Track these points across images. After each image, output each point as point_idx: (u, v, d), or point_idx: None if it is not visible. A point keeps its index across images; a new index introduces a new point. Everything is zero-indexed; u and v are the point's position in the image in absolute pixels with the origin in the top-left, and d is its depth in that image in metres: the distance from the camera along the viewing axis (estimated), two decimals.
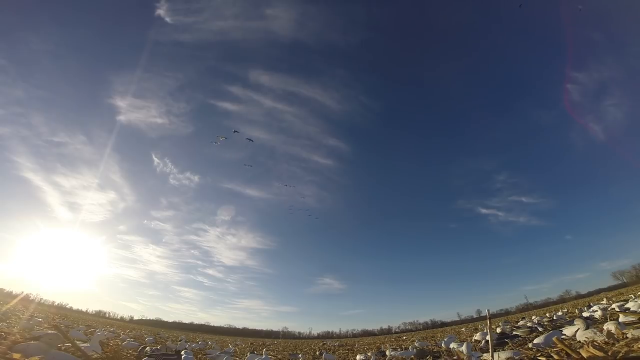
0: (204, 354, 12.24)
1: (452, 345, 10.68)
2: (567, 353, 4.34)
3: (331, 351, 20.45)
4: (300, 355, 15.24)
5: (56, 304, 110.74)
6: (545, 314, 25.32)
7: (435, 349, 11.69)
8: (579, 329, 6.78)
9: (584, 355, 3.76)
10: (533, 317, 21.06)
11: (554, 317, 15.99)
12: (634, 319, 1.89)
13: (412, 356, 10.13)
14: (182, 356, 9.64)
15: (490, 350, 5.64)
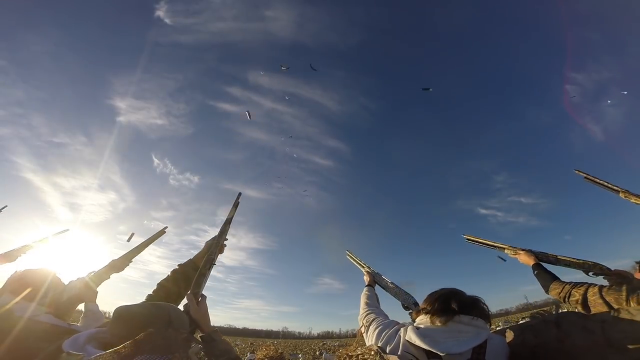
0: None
1: None
2: None
3: (331, 351, 20.48)
4: (300, 355, 15.22)
5: None
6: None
7: None
8: None
9: None
10: None
11: None
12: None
13: None
14: None
15: None
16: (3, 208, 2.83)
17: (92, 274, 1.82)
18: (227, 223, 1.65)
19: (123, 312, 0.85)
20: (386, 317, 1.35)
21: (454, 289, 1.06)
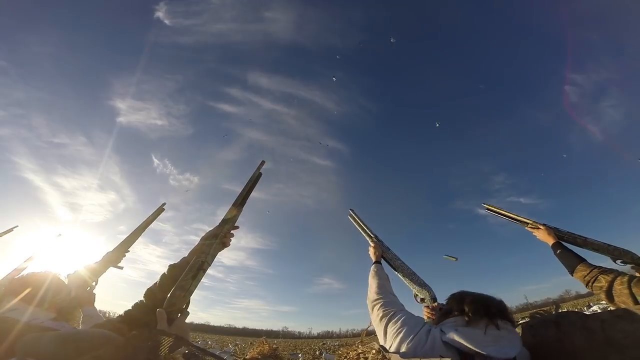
0: None
1: None
2: None
3: (331, 351, 20.47)
4: (300, 355, 15.21)
5: None
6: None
7: None
8: None
9: None
10: None
11: None
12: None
13: None
14: None
15: None
16: (14, 228, 2.81)
17: (86, 268, 1.72)
18: (239, 204, 1.26)
19: (27, 350, 0.74)
20: (405, 309, 1.16)
21: (483, 294, 0.99)
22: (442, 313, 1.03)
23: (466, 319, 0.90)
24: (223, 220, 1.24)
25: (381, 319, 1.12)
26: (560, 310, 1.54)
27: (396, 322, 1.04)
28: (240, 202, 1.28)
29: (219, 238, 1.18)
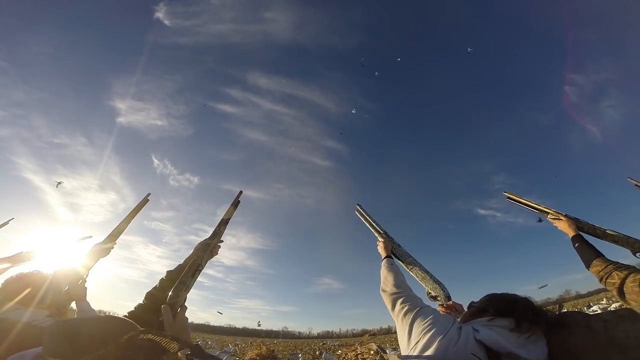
0: None
1: None
2: None
3: (331, 351, 20.47)
4: (300, 355, 15.23)
5: None
6: None
7: None
8: None
9: None
10: None
11: None
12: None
13: None
14: None
15: None
16: (10, 220, 2.81)
17: (78, 262, 1.71)
18: (224, 224, 1.50)
19: (67, 329, 0.70)
20: (430, 307, 1.11)
21: (530, 300, 0.99)
22: (474, 312, 1.03)
23: (515, 320, 0.89)
24: (214, 232, 1.47)
25: (406, 313, 1.07)
26: (563, 310, 1.53)
27: (424, 318, 1.00)
28: (225, 222, 1.52)
29: (210, 247, 1.40)
